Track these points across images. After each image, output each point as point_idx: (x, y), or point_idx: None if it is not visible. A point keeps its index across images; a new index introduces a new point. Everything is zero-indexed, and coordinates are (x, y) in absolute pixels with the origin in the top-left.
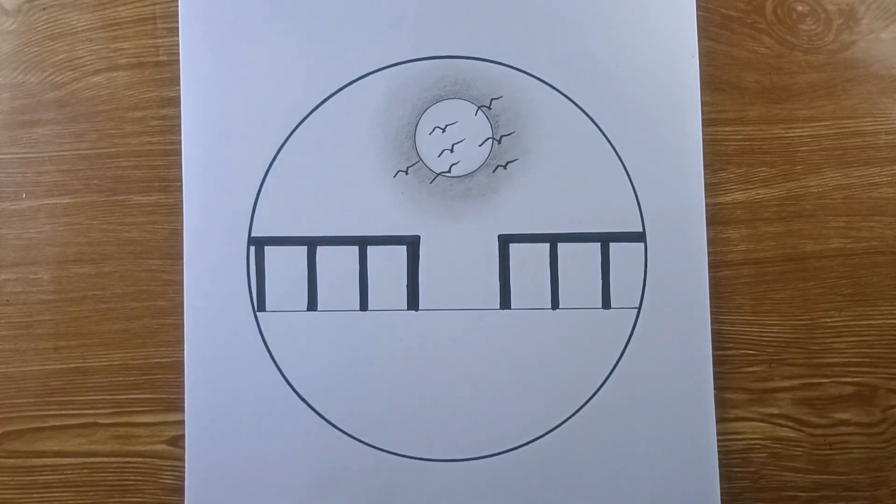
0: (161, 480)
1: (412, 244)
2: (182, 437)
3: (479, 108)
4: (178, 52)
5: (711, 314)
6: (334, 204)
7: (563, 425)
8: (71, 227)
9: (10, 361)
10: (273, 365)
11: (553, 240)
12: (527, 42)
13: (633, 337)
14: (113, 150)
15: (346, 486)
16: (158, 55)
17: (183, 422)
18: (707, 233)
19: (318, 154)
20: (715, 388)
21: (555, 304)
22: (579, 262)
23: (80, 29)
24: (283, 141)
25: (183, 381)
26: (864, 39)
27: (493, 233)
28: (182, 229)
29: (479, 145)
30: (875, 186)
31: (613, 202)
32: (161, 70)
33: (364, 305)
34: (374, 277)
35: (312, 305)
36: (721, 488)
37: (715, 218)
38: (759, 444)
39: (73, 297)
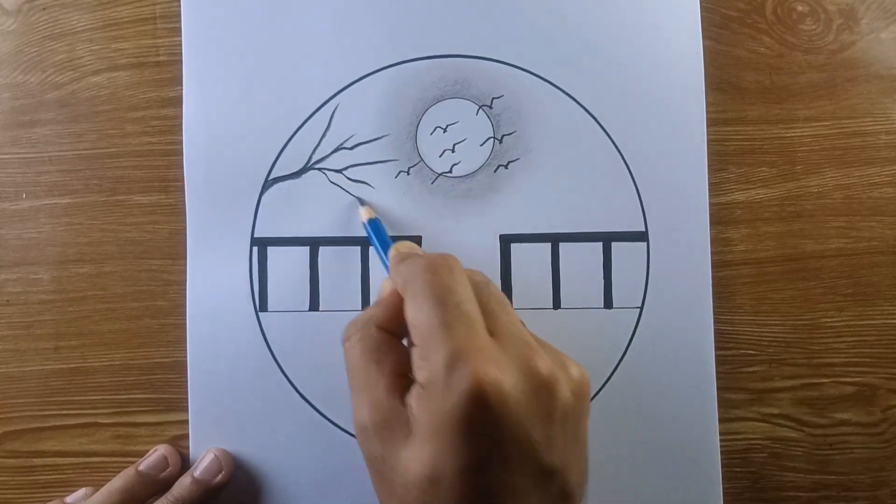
0: None
1: None
2: (183, 436)
3: (480, 107)
4: (179, 52)
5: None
6: (336, 205)
7: None
8: (71, 227)
9: (10, 361)
10: (275, 365)
11: (555, 239)
12: (528, 40)
13: (635, 336)
14: (113, 150)
15: (348, 486)
16: (158, 55)
17: (184, 422)
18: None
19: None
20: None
21: (557, 304)
22: (581, 261)
23: (80, 29)
24: (285, 141)
25: (183, 381)
26: (864, 39)
27: (495, 233)
28: (183, 229)
29: (481, 145)
30: (875, 186)
31: (616, 201)
32: (161, 70)
33: (366, 305)
34: (376, 278)
35: (314, 305)
36: (721, 488)
37: (715, 218)
38: (759, 444)
39: (73, 297)
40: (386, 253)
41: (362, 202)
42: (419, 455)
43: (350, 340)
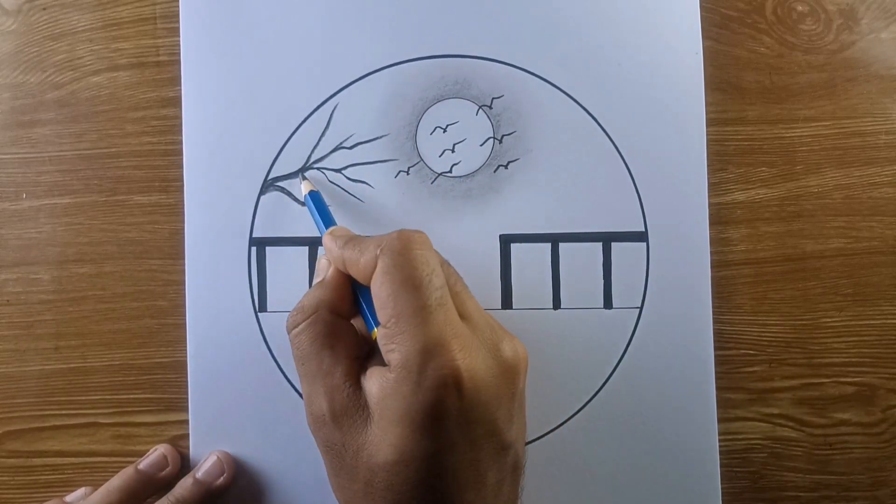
0: None
1: None
2: (183, 436)
3: (480, 107)
4: (179, 52)
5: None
6: (335, 205)
7: (565, 425)
8: (71, 227)
9: (10, 361)
10: (275, 365)
11: (555, 239)
12: (528, 40)
13: (634, 337)
14: (113, 150)
15: None
16: (159, 55)
17: (184, 421)
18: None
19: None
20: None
21: (556, 304)
22: (581, 261)
23: (80, 29)
24: (284, 141)
25: (183, 381)
26: (864, 39)
27: (495, 233)
28: (182, 229)
29: (481, 145)
30: (875, 186)
31: (615, 201)
32: (161, 70)
33: None
34: None
35: None
36: (721, 488)
37: (715, 218)
38: (759, 444)
39: (73, 297)
40: (327, 228)
41: (304, 176)
42: (387, 439)
43: (298, 327)
